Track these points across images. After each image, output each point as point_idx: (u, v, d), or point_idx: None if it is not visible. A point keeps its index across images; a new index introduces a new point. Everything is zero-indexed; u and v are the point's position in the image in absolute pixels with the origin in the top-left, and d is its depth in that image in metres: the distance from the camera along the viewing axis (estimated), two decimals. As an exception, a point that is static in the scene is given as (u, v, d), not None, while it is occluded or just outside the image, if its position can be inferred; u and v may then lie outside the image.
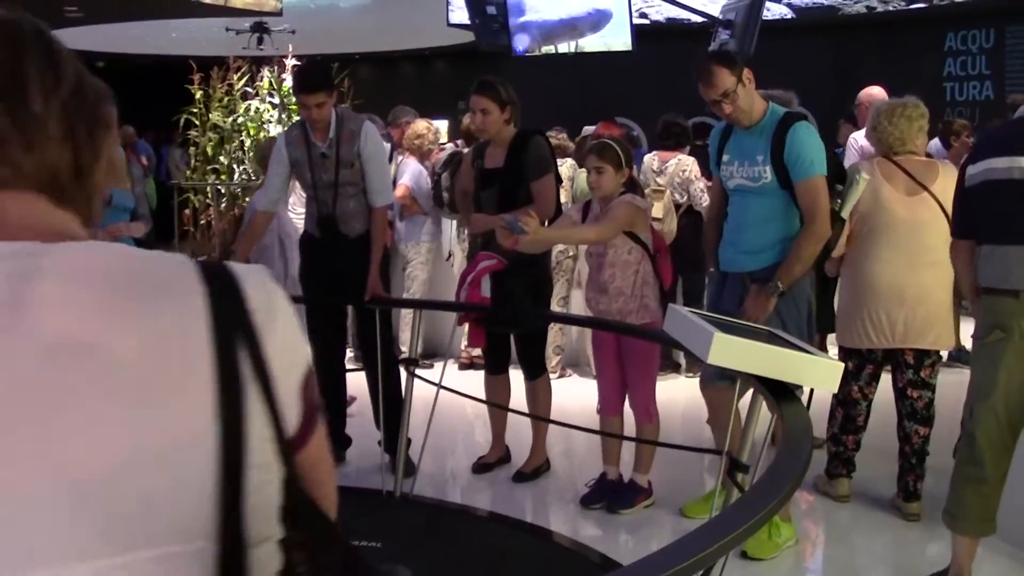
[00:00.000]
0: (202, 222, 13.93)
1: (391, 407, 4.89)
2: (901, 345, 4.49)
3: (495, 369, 5.18)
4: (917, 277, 4.41)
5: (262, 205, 5.16)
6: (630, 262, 4.48)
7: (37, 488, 0.83)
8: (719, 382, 4.15)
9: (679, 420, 5.93)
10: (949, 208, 4.40)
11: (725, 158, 4.21)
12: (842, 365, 2.96)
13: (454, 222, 7.36)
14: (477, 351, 6.51)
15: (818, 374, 2.94)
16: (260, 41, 12.95)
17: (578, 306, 7.02)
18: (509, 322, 5.00)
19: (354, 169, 4.88)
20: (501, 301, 4.74)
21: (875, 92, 6.77)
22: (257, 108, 13.66)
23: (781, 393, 2.87)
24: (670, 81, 12.56)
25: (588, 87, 13.20)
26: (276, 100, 13.63)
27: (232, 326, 0.90)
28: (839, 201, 4.12)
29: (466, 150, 6.69)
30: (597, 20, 9.62)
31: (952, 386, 6.76)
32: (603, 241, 4.49)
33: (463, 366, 7.31)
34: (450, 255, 7.51)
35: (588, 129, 11.07)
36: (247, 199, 13.81)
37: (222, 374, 0.88)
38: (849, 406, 4.67)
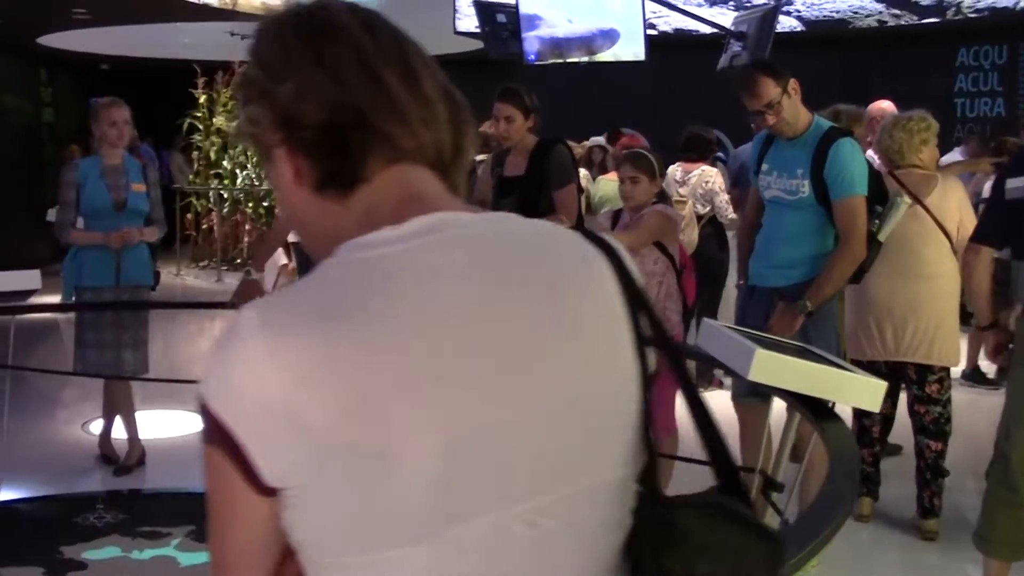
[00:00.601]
0: (204, 227, 13.88)
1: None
2: (893, 358, 4.47)
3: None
4: (906, 289, 4.39)
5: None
6: (655, 273, 4.42)
7: (530, 421, 0.95)
8: (748, 399, 4.07)
9: (693, 433, 5.86)
10: (946, 221, 4.37)
11: (764, 167, 4.13)
12: (885, 384, 2.88)
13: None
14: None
15: (859, 392, 2.86)
16: (266, 46, 12.84)
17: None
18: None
19: None
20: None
21: (885, 106, 6.69)
22: (262, 113, 13.61)
23: (821, 412, 2.81)
24: (678, 93, 12.55)
25: (593, 98, 13.14)
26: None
27: (629, 288, 1.03)
28: (877, 223, 4.03)
29: (479, 157, 6.62)
30: (605, 38, 9.58)
31: (967, 405, 6.72)
32: (633, 249, 4.43)
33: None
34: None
35: (595, 140, 11.02)
36: (249, 204, 13.82)
37: (634, 327, 1.02)
38: (862, 417, 4.62)
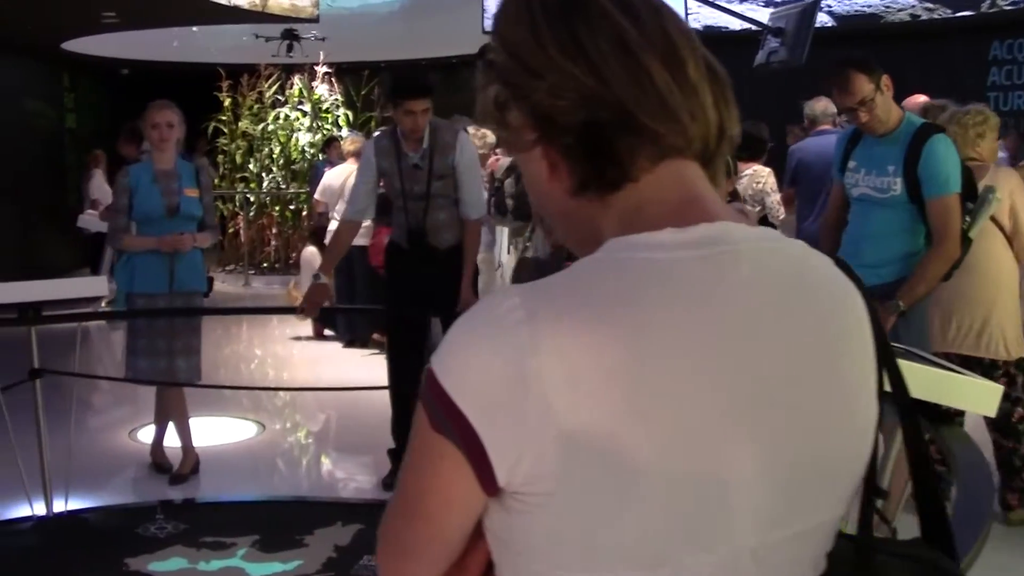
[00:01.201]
0: (230, 231, 13.82)
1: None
2: (940, 350, 4.35)
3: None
4: (952, 280, 4.28)
5: (348, 215, 4.99)
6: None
7: (785, 457, 0.90)
8: None
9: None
10: (998, 212, 4.31)
11: (851, 165, 4.04)
12: (1000, 388, 2.78)
13: (506, 230, 7.21)
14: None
15: (975, 396, 2.76)
16: (290, 48, 12.81)
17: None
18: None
19: (446, 181, 4.72)
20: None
21: (920, 100, 6.58)
22: (287, 116, 13.57)
23: (936, 417, 2.71)
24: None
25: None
26: (307, 108, 13.54)
27: (878, 337, 0.98)
28: (967, 219, 3.94)
29: (506, 160, 6.55)
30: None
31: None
32: None
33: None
34: (499, 265, 7.35)
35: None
36: (276, 208, 13.76)
37: (878, 365, 0.97)
38: None
